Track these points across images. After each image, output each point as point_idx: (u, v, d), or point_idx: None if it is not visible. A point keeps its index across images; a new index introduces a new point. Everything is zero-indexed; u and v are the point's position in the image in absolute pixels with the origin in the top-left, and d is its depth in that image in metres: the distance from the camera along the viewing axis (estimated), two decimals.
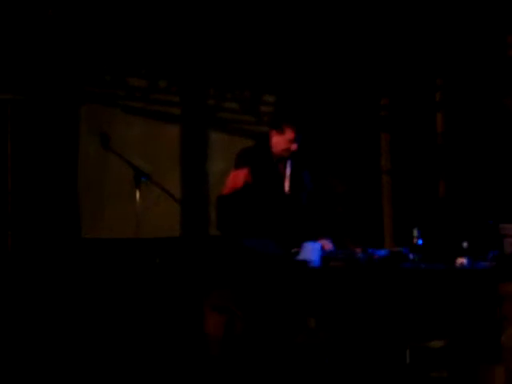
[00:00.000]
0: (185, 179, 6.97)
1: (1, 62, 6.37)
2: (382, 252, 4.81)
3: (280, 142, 5.12)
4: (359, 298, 4.62)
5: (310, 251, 4.78)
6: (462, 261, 4.46)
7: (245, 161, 5.05)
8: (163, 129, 6.96)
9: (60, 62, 6.56)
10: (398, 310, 4.54)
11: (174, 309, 6.21)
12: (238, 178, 4.95)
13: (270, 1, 6.79)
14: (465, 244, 4.51)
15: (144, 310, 5.92)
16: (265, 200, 5.06)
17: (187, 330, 5.83)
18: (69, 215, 6.57)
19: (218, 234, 5.40)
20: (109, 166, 6.65)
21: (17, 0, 6.36)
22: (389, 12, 6.81)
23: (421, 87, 6.96)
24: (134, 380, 5.39)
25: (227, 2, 6.79)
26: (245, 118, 7.18)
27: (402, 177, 7.04)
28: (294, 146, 5.10)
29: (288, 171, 5.18)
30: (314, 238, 4.97)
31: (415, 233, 4.71)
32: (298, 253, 4.83)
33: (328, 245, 5.03)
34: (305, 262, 4.74)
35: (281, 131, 5.11)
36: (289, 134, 5.09)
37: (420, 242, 4.72)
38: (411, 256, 4.68)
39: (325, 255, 4.83)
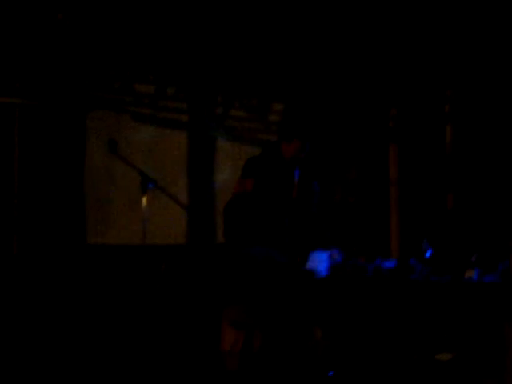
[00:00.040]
0: (192, 186, 6.95)
1: (10, 67, 6.38)
2: (390, 263, 4.79)
3: (288, 150, 5.17)
4: (366, 310, 4.59)
5: (318, 261, 4.75)
6: (470, 274, 4.44)
7: (252, 170, 5.08)
8: (171, 135, 6.95)
9: (68, 68, 6.56)
10: (405, 322, 4.51)
11: (178, 316, 6.20)
12: (244, 185, 4.96)
13: (279, 9, 6.79)
14: (474, 256, 4.49)
15: (149, 316, 5.90)
16: (272, 207, 5.05)
17: (196, 339, 5.81)
18: (75, 220, 6.55)
19: (224, 242, 5.38)
20: (116, 171, 6.64)
21: (26, 5, 6.37)
22: (399, 23, 6.80)
23: (430, 98, 6.95)
24: None
25: (236, 10, 6.79)
26: (252, 126, 7.17)
27: (411, 188, 7.02)
28: (301, 155, 5.16)
29: (296, 179, 5.19)
30: (322, 247, 4.95)
31: (424, 245, 4.69)
32: (303, 262, 4.81)
33: (336, 255, 5.01)
34: (312, 272, 4.71)
35: (289, 140, 5.14)
36: (296, 143, 5.13)
37: (428, 253, 4.70)
38: (419, 267, 4.66)
39: (332, 265, 4.81)
